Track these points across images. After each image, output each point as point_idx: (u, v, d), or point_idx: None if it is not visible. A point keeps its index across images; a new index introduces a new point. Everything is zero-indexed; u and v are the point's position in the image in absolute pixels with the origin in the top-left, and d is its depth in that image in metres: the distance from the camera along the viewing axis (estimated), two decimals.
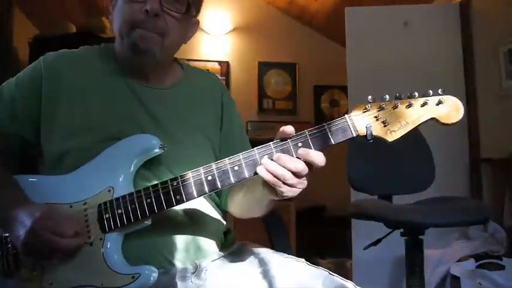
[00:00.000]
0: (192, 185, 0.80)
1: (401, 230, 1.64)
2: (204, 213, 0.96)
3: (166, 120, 0.97)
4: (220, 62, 4.20)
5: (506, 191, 2.37)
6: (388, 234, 1.71)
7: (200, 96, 1.06)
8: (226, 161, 0.80)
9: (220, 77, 3.76)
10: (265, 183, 0.78)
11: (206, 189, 0.80)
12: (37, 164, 1.03)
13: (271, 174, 0.75)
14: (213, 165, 0.80)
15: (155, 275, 0.80)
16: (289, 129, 0.78)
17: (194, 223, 0.93)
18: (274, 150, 0.78)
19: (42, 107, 0.94)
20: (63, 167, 0.90)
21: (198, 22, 1.08)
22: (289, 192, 0.77)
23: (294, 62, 4.38)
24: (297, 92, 4.39)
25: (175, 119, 0.98)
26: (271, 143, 0.80)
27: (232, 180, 0.79)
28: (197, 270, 0.89)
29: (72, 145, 0.91)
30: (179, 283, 0.85)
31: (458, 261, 2.13)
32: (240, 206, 0.99)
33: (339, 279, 0.84)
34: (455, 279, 2.07)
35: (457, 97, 0.79)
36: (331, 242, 3.33)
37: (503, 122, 2.48)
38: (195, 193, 0.80)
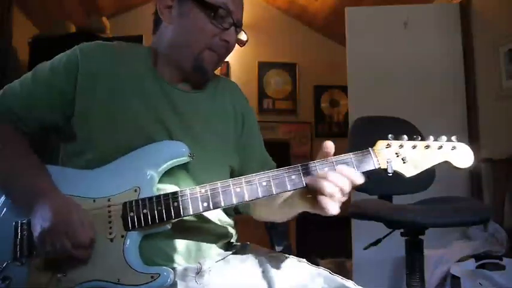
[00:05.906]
0: (220, 194, 0.82)
1: (402, 230, 1.64)
2: (210, 216, 0.96)
3: (194, 124, 0.98)
4: None
5: (507, 191, 2.36)
6: (388, 234, 1.71)
7: (223, 103, 1.08)
8: (255, 176, 0.83)
9: None
10: (306, 197, 0.82)
11: (234, 200, 0.82)
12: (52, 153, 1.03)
13: (333, 184, 0.77)
14: (242, 179, 0.83)
15: (172, 276, 0.81)
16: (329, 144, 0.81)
17: (201, 225, 0.93)
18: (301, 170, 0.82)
19: (77, 96, 0.94)
20: (87, 158, 0.91)
21: None
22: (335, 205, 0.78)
23: (294, 62, 4.39)
24: (297, 92, 4.39)
25: (202, 124, 1.00)
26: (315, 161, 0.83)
27: (260, 194, 0.82)
28: (201, 270, 0.90)
29: (101, 140, 0.91)
30: (183, 282, 0.86)
31: (458, 261, 2.12)
32: (271, 214, 1.01)
33: (339, 279, 0.85)
34: (456, 279, 2.07)
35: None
36: (331, 242, 3.32)
37: (503, 122, 2.48)
38: (222, 203, 0.82)
